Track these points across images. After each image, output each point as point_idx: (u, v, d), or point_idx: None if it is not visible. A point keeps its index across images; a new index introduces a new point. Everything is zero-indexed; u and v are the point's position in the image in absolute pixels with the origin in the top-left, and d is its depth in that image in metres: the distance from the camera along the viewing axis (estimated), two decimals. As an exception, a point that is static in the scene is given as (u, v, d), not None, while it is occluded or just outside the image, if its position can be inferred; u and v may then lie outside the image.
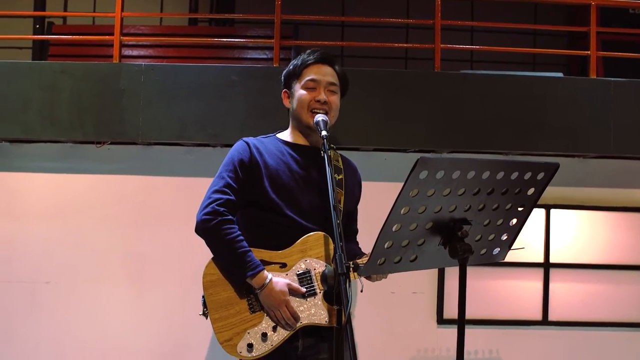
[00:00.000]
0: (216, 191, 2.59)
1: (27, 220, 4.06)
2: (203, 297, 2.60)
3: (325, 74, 2.74)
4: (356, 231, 2.97)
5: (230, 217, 2.57)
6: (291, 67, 2.80)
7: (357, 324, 4.01)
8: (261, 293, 2.53)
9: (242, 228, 2.65)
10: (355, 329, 3.95)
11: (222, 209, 2.55)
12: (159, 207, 4.09)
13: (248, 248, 2.54)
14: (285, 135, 2.82)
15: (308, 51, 2.80)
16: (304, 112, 2.69)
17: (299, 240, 2.61)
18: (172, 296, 4.03)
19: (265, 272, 2.53)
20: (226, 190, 2.59)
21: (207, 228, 2.55)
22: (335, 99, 2.74)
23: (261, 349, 2.53)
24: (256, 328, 2.55)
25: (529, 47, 7.01)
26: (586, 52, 4.39)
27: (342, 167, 2.81)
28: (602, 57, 5.05)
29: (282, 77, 2.85)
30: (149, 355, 4.03)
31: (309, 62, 2.75)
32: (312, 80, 2.72)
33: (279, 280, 2.55)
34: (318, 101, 2.68)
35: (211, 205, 2.55)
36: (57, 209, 4.07)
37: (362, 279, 2.71)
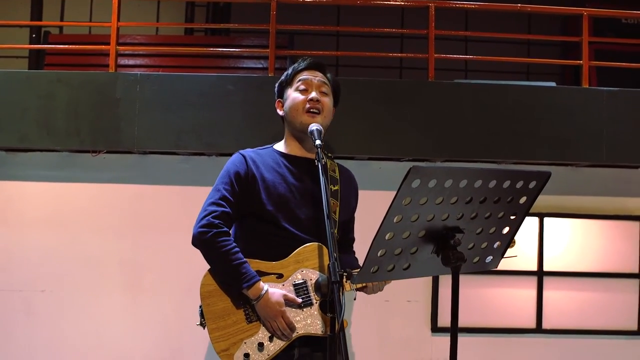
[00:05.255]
0: (212, 204, 2.62)
1: (23, 228, 4.07)
2: (200, 307, 2.62)
3: (316, 76, 2.77)
4: (353, 239, 2.98)
5: (225, 229, 2.59)
6: (283, 77, 2.84)
7: (352, 332, 4.02)
8: (257, 304, 2.54)
9: (239, 239, 2.67)
10: (350, 337, 3.97)
11: (217, 221, 2.57)
12: (155, 216, 4.10)
13: (244, 259, 2.55)
14: (281, 146, 2.83)
15: (299, 60, 2.83)
16: (299, 113, 2.70)
17: (294, 251, 2.62)
18: (168, 304, 4.04)
19: (261, 283, 2.55)
20: (222, 202, 2.61)
21: (203, 240, 2.58)
22: (327, 101, 2.76)
23: (258, 358, 2.54)
24: (253, 338, 2.56)
25: (522, 57, 7.04)
26: (579, 61, 4.42)
27: (338, 177, 2.81)
28: (595, 66, 5.09)
29: (275, 89, 2.88)
30: (144, 363, 4.04)
31: (300, 68, 2.79)
32: (303, 81, 2.74)
33: (275, 291, 2.56)
34: (311, 99, 2.69)
35: (207, 218, 2.58)
36: (53, 217, 4.08)
37: (358, 290, 2.72)
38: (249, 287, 2.52)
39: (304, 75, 2.76)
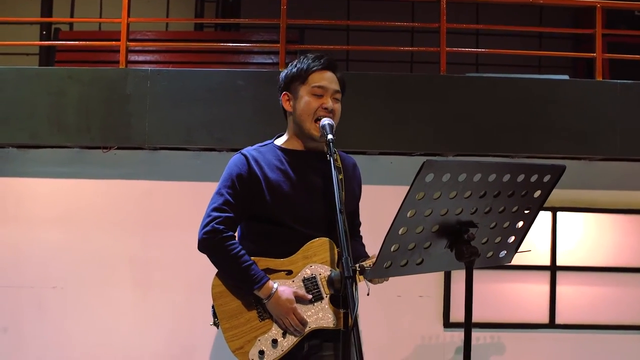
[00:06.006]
0: (215, 209, 2.61)
1: (34, 225, 4.08)
2: (213, 307, 2.63)
3: (331, 81, 2.71)
4: (359, 224, 2.97)
5: (230, 233, 2.59)
6: (295, 70, 2.73)
7: (364, 327, 4.01)
8: (268, 303, 2.55)
9: (246, 238, 2.68)
10: (362, 333, 3.95)
11: (221, 227, 2.57)
12: (165, 212, 4.10)
13: (251, 261, 2.56)
14: (284, 141, 2.78)
15: (312, 56, 2.75)
16: (309, 120, 2.65)
17: (303, 247, 2.62)
18: (178, 301, 4.04)
19: (270, 282, 2.55)
20: (225, 207, 2.60)
21: (208, 246, 2.59)
22: (338, 107, 2.72)
23: (272, 355, 2.55)
24: (266, 335, 2.58)
25: (534, 50, 6.99)
26: (592, 54, 4.38)
27: (340, 166, 2.78)
28: (608, 59, 5.04)
29: (282, 78, 2.78)
30: (154, 359, 4.04)
31: (317, 67, 2.70)
32: (320, 87, 2.67)
33: (285, 289, 2.56)
34: (325, 108, 2.66)
35: (210, 224, 2.58)
36: (64, 214, 4.09)
37: (366, 281, 2.71)
38: (259, 288, 2.54)
39: (321, 78, 2.69)
